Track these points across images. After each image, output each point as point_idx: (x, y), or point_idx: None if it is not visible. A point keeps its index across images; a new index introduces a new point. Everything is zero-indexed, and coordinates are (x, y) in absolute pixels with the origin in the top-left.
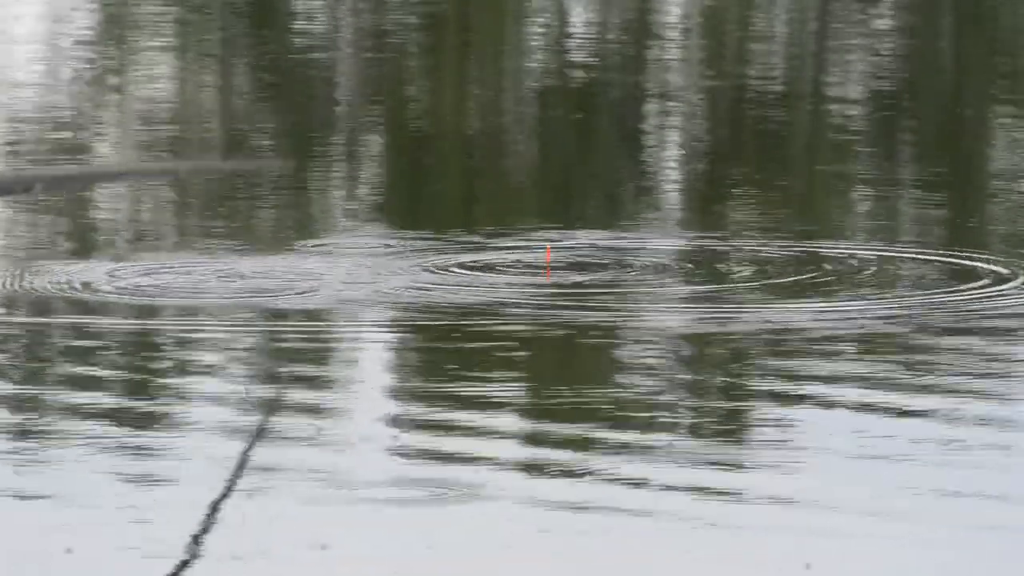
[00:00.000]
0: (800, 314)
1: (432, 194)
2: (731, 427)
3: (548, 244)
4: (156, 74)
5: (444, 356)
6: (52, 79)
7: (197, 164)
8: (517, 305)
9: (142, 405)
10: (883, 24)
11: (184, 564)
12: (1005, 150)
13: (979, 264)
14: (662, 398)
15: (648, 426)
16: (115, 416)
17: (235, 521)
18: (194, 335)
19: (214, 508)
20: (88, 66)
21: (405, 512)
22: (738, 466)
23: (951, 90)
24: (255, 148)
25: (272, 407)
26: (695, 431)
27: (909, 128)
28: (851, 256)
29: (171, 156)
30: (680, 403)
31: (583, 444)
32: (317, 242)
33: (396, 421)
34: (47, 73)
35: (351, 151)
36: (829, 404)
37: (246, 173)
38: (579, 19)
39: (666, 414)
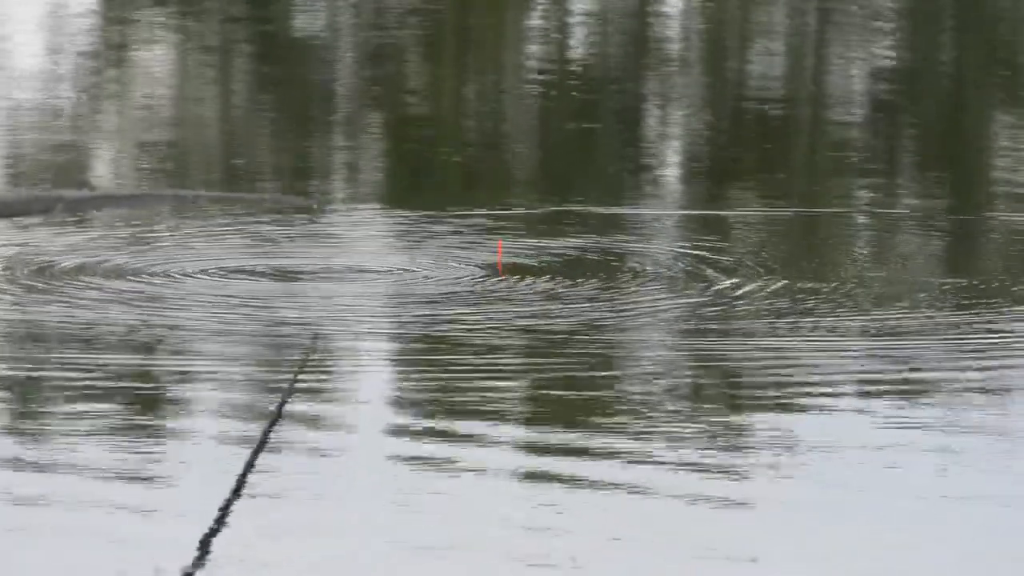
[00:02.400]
0: None
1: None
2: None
3: (500, 239)
4: (156, 59)
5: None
6: (52, 70)
7: (222, 194)
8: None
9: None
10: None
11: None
12: None
13: None
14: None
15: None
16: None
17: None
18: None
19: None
20: (88, 51)
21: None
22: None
23: None
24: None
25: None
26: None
27: None
28: None
29: (184, 179)
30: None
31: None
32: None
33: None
34: (47, 65)
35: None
36: None
37: (271, 208)
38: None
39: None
